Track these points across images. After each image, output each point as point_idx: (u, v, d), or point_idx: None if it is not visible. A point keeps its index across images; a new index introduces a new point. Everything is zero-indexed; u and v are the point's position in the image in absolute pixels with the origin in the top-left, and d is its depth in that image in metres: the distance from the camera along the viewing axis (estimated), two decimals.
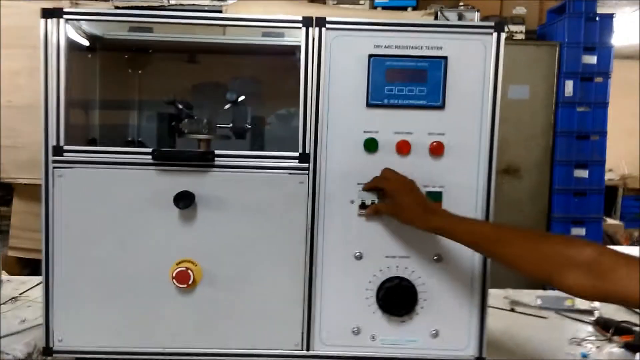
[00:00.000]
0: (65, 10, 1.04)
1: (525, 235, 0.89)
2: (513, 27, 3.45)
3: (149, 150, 1.05)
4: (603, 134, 3.33)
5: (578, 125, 3.28)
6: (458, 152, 1.07)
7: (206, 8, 3.07)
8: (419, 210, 1.00)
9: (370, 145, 1.06)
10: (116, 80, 1.41)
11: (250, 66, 1.39)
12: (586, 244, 0.81)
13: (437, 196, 1.07)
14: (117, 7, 2.86)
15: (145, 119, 1.42)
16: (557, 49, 3.26)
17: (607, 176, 3.67)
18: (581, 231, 3.28)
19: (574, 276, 0.79)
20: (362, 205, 1.07)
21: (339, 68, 1.06)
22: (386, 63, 1.05)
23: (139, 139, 1.40)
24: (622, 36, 4.42)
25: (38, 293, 1.51)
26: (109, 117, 1.41)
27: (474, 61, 1.06)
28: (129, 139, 1.40)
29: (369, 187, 1.07)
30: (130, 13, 1.13)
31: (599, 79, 3.30)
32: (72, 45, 1.07)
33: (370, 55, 1.05)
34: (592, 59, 3.28)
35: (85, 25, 1.18)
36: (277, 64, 1.34)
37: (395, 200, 1.01)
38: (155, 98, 1.40)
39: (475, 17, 3.21)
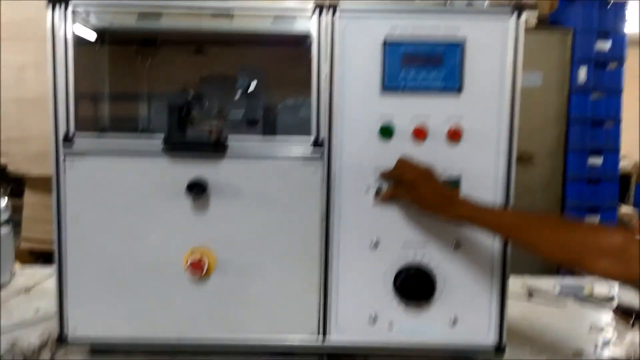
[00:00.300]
0: None
1: (552, 222, 0.89)
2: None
3: (160, 138, 1.04)
4: (617, 120, 3.27)
5: (592, 112, 3.23)
6: (476, 138, 1.05)
7: None
8: (439, 200, 0.98)
9: (386, 132, 1.04)
10: (125, 70, 1.40)
11: (260, 55, 1.37)
12: (614, 230, 0.81)
13: (455, 183, 1.05)
14: None
15: (155, 110, 1.41)
16: (570, 35, 3.20)
17: (620, 164, 3.61)
18: (596, 219, 3.23)
19: (603, 262, 0.79)
20: (378, 193, 1.05)
21: (353, 54, 1.03)
22: (401, 48, 1.02)
23: (149, 130, 1.38)
24: (631, 23, 4.33)
25: (51, 283, 1.51)
26: (119, 108, 1.39)
27: (492, 44, 1.03)
28: (139, 129, 1.39)
29: (385, 178, 1.04)
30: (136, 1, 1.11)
31: (612, 65, 3.24)
32: (79, 35, 1.06)
33: (385, 41, 1.02)
34: (606, 45, 3.22)
35: (92, 14, 1.16)
36: (288, 51, 1.31)
37: (414, 191, 0.99)
38: (164, 89, 1.38)
39: (484, 6, 3.16)
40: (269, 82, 1.30)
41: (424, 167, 1.01)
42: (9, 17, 2.63)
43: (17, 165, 2.87)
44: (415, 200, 1.00)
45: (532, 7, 3.42)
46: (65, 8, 1.02)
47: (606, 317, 1.38)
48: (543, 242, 0.87)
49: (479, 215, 0.95)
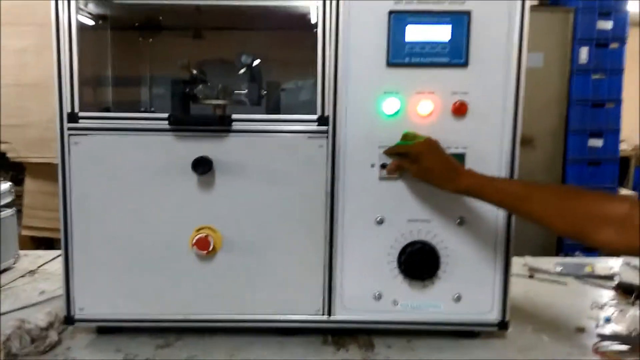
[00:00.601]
0: None
1: (557, 192, 0.88)
2: None
3: (165, 115, 1.03)
4: (618, 101, 3.27)
5: (593, 93, 3.22)
6: (481, 113, 1.04)
7: None
8: (445, 172, 0.98)
9: (391, 107, 1.03)
10: (127, 50, 1.39)
11: (261, 37, 1.35)
12: (620, 199, 0.80)
13: (459, 158, 1.04)
14: None
15: (158, 90, 1.40)
16: (572, 14, 3.18)
17: (620, 147, 3.61)
18: None
19: (607, 232, 0.78)
20: (384, 167, 1.05)
21: (358, 26, 1.02)
22: (407, 19, 1.01)
23: (152, 109, 1.38)
24: (632, 2, 4.30)
25: (55, 266, 1.52)
26: (122, 89, 1.39)
27: (498, 16, 1.02)
28: (142, 109, 1.38)
29: (391, 152, 1.04)
30: None
31: (614, 45, 3.23)
32: (81, 20, 1.04)
33: (390, 12, 1.01)
34: (608, 25, 3.21)
35: None
36: (290, 30, 1.30)
37: (420, 164, 0.99)
38: (166, 70, 1.37)
39: None
40: (271, 63, 1.29)
41: (429, 140, 1.01)
42: (9, 1, 2.60)
43: (16, 151, 2.86)
44: (420, 172, 1.00)
45: None
46: None
47: (607, 294, 1.38)
48: (547, 211, 0.86)
49: (484, 186, 0.95)
